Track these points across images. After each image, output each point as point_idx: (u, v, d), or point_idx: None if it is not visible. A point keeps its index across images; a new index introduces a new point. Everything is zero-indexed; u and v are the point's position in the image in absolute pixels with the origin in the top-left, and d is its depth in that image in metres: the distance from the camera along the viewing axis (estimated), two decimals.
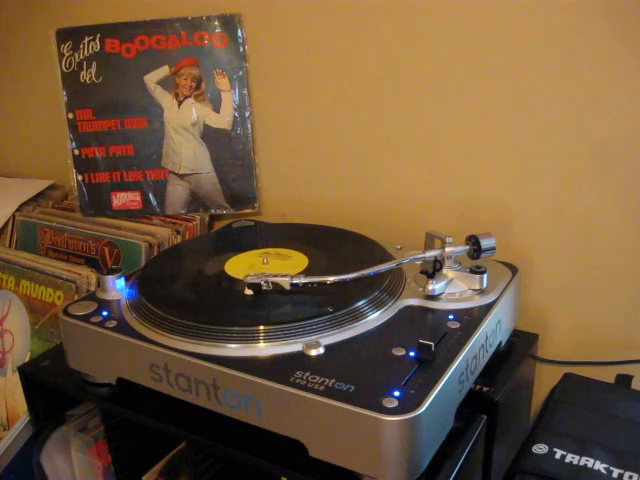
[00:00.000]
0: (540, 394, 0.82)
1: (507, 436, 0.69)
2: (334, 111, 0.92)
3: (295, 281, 0.63)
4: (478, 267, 0.67)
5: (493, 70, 0.79)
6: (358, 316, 0.61)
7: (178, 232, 0.97)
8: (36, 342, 0.91)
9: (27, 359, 0.91)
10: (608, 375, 0.77)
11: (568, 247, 0.80)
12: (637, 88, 0.71)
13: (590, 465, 0.60)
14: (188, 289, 0.70)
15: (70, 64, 0.99)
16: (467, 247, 0.66)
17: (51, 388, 0.72)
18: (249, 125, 0.97)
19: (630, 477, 0.58)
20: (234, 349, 0.58)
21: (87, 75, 0.99)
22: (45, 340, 0.89)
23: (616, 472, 0.59)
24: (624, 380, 0.76)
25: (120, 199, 1.02)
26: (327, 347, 0.57)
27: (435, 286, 0.65)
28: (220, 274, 0.71)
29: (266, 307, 0.63)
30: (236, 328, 0.59)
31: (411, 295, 0.66)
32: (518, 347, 0.74)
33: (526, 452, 0.62)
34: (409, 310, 0.64)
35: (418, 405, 0.49)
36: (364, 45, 0.86)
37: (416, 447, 0.50)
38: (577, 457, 0.61)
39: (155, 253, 0.93)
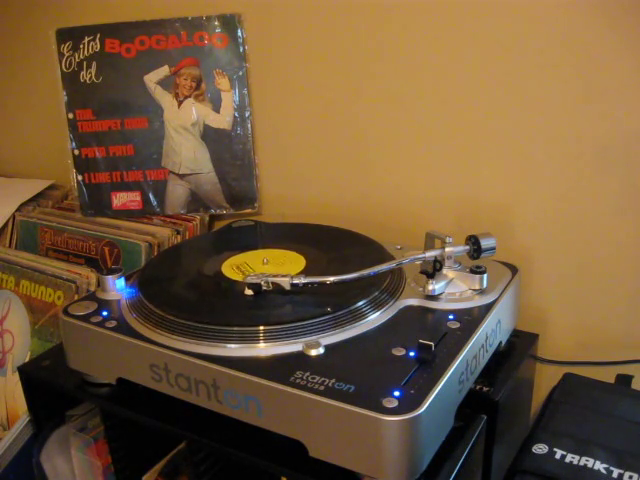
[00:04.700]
0: (540, 394, 0.82)
1: (507, 436, 0.69)
2: (334, 111, 0.92)
3: (295, 281, 0.63)
4: (478, 267, 0.67)
5: (494, 70, 0.79)
6: (358, 316, 0.61)
7: (178, 232, 0.97)
8: (36, 342, 0.91)
9: (27, 359, 0.91)
10: (608, 375, 0.77)
11: (568, 247, 0.80)
12: (636, 88, 0.71)
13: (590, 465, 0.60)
14: (188, 289, 0.70)
15: (70, 64, 0.99)
16: (467, 247, 0.66)
17: (51, 388, 0.72)
18: (249, 125, 0.97)
19: (630, 477, 0.58)
20: (234, 349, 0.58)
21: (87, 75, 0.99)
22: (45, 340, 0.89)
23: (616, 472, 0.59)
24: (624, 380, 0.76)
25: (120, 199, 1.02)
26: (327, 347, 0.57)
27: (435, 286, 0.65)
28: (220, 274, 0.71)
29: (266, 307, 0.63)
30: (236, 328, 0.59)
31: (411, 295, 0.66)
32: (518, 347, 0.74)
33: (526, 452, 0.62)
34: (409, 310, 0.64)
35: (418, 405, 0.49)
36: (364, 45, 0.86)
37: (416, 447, 0.50)
38: (577, 457, 0.61)
39: (155, 253, 0.93)
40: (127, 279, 0.72)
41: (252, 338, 0.58)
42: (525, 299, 0.80)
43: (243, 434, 0.58)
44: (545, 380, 0.83)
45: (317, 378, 0.53)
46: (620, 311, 0.79)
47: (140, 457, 0.74)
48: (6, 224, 1.08)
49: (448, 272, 0.67)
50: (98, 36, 0.97)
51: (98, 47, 0.98)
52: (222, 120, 0.97)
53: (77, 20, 1.00)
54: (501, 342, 0.69)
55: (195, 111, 0.97)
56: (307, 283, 0.63)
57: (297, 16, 0.90)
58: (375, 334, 0.60)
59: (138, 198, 1.01)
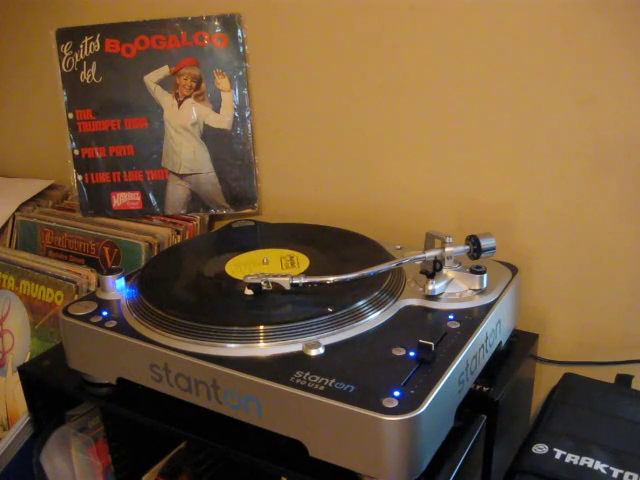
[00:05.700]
0: (540, 394, 0.82)
1: (507, 436, 0.69)
2: (334, 111, 0.92)
3: (295, 281, 0.63)
4: (478, 267, 0.67)
5: (493, 70, 0.79)
6: (358, 316, 0.61)
7: (178, 232, 0.97)
8: (36, 342, 0.91)
9: (27, 359, 0.91)
10: (608, 375, 0.77)
11: (568, 247, 0.80)
12: (636, 88, 0.71)
13: (590, 465, 0.60)
14: (188, 289, 0.70)
15: (70, 64, 0.99)
16: (467, 247, 0.66)
17: (51, 388, 0.72)
18: (249, 125, 0.97)
19: (630, 477, 0.58)
20: (234, 349, 0.58)
21: (87, 75, 0.99)
22: (45, 340, 0.89)
23: (616, 472, 0.59)
24: (624, 380, 0.76)
25: (120, 199, 1.02)
26: (327, 347, 0.57)
27: (435, 286, 0.65)
28: (220, 274, 0.71)
29: (266, 307, 0.63)
30: (236, 328, 0.59)
31: (411, 295, 0.66)
32: (518, 347, 0.74)
33: (526, 452, 0.62)
34: (409, 310, 0.64)
35: (418, 405, 0.49)
36: (364, 44, 0.86)
37: (416, 447, 0.50)
38: (577, 457, 0.61)
39: (155, 253, 0.93)
40: (127, 279, 0.72)
41: (252, 338, 0.58)
42: (525, 299, 0.80)
43: (243, 434, 0.58)
44: (545, 380, 0.83)
45: (317, 378, 0.53)
46: (620, 311, 0.79)
47: (140, 457, 0.74)
48: (6, 224, 1.08)
49: (448, 272, 0.67)
50: (98, 36, 0.97)
51: (98, 47, 0.98)
52: (222, 120, 0.97)
53: (77, 20, 1.00)
54: (501, 342, 0.69)
55: (195, 111, 0.97)
56: (307, 283, 0.63)
57: (297, 16, 0.90)
58: (375, 334, 0.60)
59: (138, 198, 1.01)
